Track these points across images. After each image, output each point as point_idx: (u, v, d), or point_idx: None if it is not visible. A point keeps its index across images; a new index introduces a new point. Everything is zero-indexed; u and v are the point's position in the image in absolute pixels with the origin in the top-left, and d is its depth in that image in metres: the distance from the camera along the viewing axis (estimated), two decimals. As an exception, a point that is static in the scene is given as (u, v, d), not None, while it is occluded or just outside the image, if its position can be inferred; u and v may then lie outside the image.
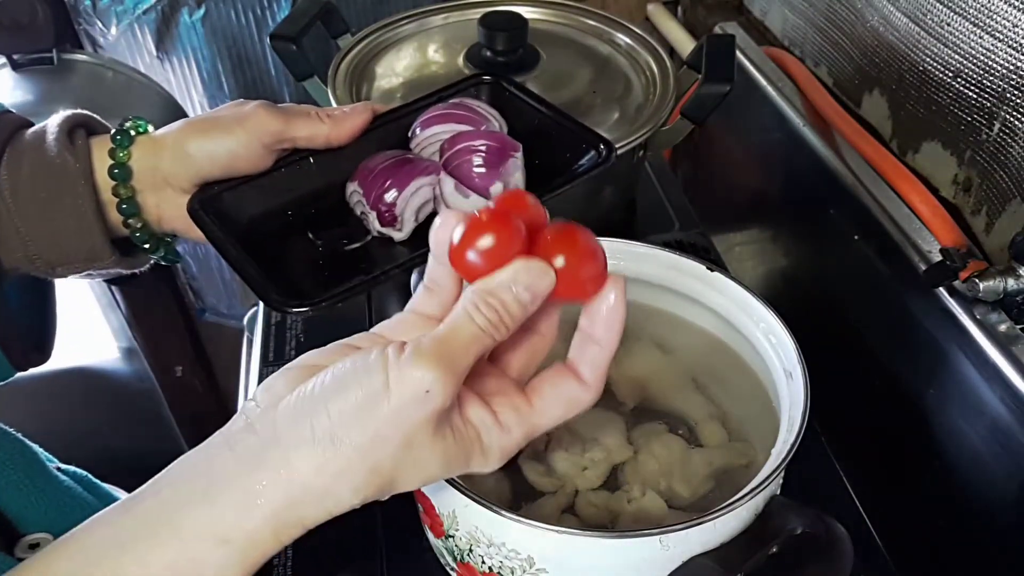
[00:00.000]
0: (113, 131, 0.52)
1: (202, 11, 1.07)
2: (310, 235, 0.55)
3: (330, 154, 0.55)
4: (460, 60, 0.77)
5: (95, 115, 0.55)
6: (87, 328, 1.33)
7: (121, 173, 0.52)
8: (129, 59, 1.09)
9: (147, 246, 0.55)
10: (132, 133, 0.53)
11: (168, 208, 0.54)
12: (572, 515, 0.52)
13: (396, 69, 0.79)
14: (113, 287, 1.25)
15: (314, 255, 0.54)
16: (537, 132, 0.58)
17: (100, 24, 1.06)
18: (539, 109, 0.59)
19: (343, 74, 0.77)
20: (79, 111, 0.54)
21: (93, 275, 0.55)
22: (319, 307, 0.47)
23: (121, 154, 0.52)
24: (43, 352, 0.58)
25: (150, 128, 0.54)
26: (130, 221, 0.53)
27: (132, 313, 1.29)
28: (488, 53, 0.76)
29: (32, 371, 0.55)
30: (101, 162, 0.52)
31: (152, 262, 0.58)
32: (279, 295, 0.48)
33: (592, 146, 0.55)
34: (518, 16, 0.76)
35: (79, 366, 1.39)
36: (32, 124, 0.53)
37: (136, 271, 0.57)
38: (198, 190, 0.53)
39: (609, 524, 0.52)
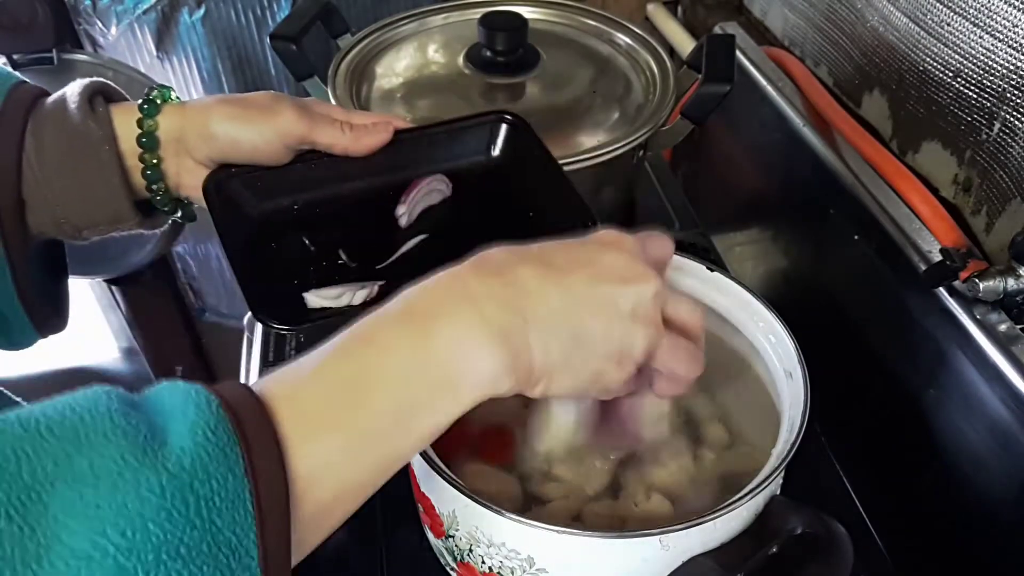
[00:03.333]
0: (140, 100, 0.54)
1: (202, 11, 1.07)
2: (305, 240, 0.57)
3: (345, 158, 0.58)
4: (460, 60, 0.77)
5: (110, 82, 0.56)
6: (87, 328, 1.33)
7: (149, 142, 0.54)
8: (129, 59, 1.09)
9: (166, 208, 0.57)
10: (158, 101, 0.54)
11: (187, 177, 0.56)
12: (579, 524, 0.52)
13: (396, 69, 0.79)
14: (113, 287, 1.25)
15: (308, 256, 0.56)
16: (534, 180, 0.60)
17: (100, 24, 1.06)
18: (545, 164, 0.60)
19: (343, 74, 0.77)
20: (96, 79, 0.55)
21: (116, 236, 0.57)
22: (298, 328, 0.51)
23: (149, 122, 0.54)
24: (61, 318, 0.59)
25: (173, 95, 0.56)
26: (153, 186, 0.55)
27: (132, 313, 1.29)
28: (488, 53, 0.76)
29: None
30: (122, 127, 0.53)
31: (170, 222, 0.60)
32: (265, 309, 0.49)
33: (579, 217, 0.56)
34: (518, 16, 0.76)
35: (79, 366, 1.39)
36: (49, 93, 0.55)
37: (156, 230, 0.59)
38: (214, 171, 0.56)
39: (617, 530, 0.51)
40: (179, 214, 0.59)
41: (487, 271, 0.41)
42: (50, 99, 0.54)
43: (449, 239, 0.53)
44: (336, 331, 0.39)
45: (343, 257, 0.56)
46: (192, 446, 0.31)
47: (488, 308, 0.39)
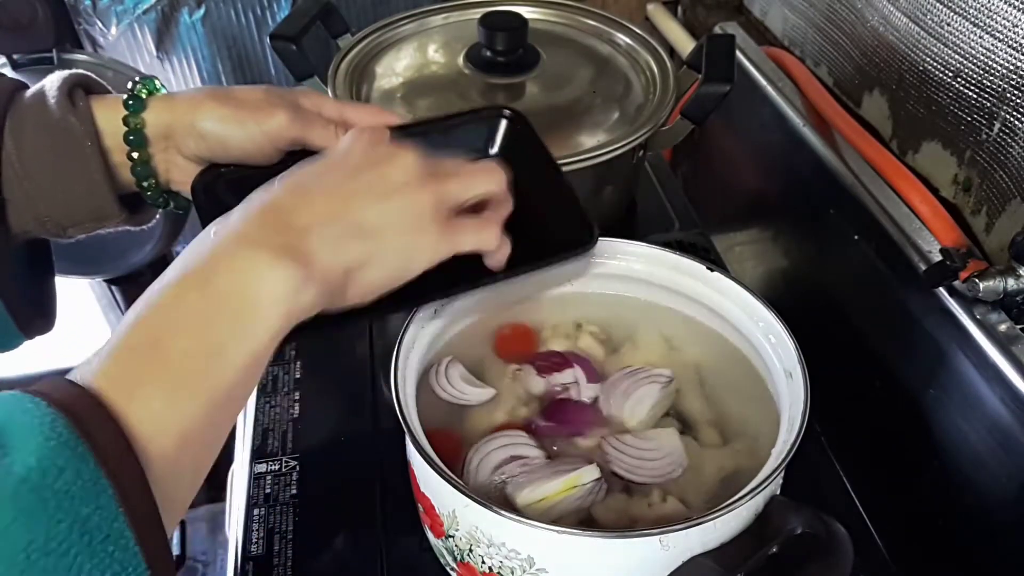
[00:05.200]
0: (125, 96, 0.53)
1: (202, 11, 1.07)
2: None
3: None
4: (460, 60, 0.77)
5: (91, 74, 0.55)
6: (87, 328, 1.33)
7: (136, 139, 0.52)
8: (129, 59, 1.09)
9: (159, 203, 0.57)
10: (143, 96, 0.53)
11: (176, 172, 0.55)
12: (591, 520, 0.51)
13: (396, 69, 0.79)
14: (113, 287, 1.25)
15: None
16: (532, 180, 0.56)
17: (100, 24, 1.06)
18: (543, 161, 0.58)
19: (343, 74, 0.77)
20: (75, 71, 0.54)
21: (102, 232, 0.56)
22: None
23: (135, 120, 0.52)
24: (47, 319, 0.58)
25: (157, 84, 0.55)
26: (144, 183, 0.54)
27: (132, 313, 1.29)
28: (488, 53, 0.75)
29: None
30: (105, 123, 0.52)
31: (157, 217, 0.59)
32: None
33: (578, 224, 0.55)
34: (518, 16, 0.76)
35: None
36: (27, 86, 0.53)
37: (144, 227, 0.58)
38: (202, 172, 0.54)
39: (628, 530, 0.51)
40: (171, 206, 0.58)
41: (240, 212, 0.42)
42: (28, 93, 0.52)
43: None
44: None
45: None
46: (35, 448, 0.32)
47: (258, 235, 0.41)
